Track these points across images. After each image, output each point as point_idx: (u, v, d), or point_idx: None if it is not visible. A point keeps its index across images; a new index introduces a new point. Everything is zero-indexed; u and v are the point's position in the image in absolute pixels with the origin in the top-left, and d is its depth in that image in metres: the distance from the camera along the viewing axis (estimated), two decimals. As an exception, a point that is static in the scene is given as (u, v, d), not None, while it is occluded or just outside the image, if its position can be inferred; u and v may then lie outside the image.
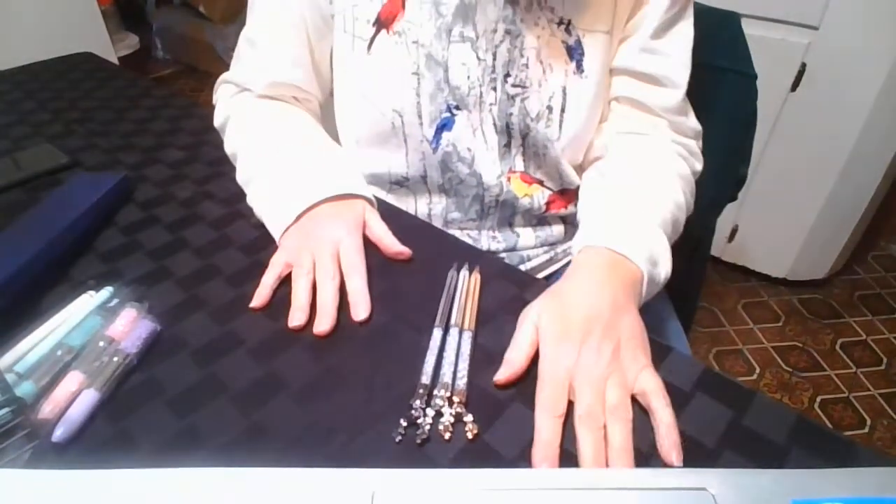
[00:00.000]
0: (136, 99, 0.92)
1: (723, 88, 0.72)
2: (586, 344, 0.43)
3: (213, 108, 0.72)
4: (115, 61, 1.97)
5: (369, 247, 0.56)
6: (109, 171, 0.72)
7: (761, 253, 1.63)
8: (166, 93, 0.95)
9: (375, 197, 0.62)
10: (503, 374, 0.43)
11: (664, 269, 0.53)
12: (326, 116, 0.72)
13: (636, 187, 0.59)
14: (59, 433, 0.39)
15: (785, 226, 1.54)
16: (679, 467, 0.37)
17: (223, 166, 0.69)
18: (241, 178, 0.63)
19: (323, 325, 0.48)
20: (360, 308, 0.49)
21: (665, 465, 0.38)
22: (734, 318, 1.57)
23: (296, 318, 0.48)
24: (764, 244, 1.61)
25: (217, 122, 0.70)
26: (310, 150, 0.63)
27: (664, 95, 0.62)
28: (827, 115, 1.35)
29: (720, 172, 0.76)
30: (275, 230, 0.57)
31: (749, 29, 0.71)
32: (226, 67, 0.71)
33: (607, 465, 0.38)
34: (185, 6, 2.96)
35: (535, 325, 0.46)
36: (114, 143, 0.79)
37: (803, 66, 1.32)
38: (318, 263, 0.52)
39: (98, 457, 0.39)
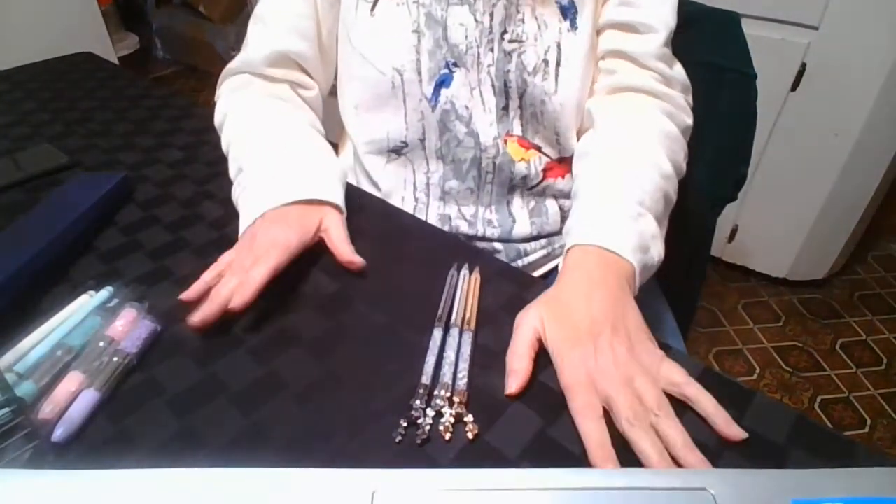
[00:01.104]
0: (136, 99, 0.92)
1: (723, 88, 0.72)
2: (599, 346, 0.43)
3: (213, 107, 0.72)
4: (115, 61, 1.97)
5: (367, 247, 0.56)
6: (109, 171, 0.72)
7: (761, 253, 1.63)
8: (166, 93, 0.95)
9: (374, 196, 0.62)
10: (513, 385, 0.43)
11: (656, 252, 0.53)
12: (328, 115, 0.73)
13: (621, 167, 0.58)
14: (59, 433, 0.39)
15: (785, 226, 1.54)
16: (746, 439, 0.39)
17: (223, 166, 0.69)
18: (231, 173, 0.64)
19: (196, 316, 0.46)
20: (238, 298, 0.46)
21: (731, 443, 0.39)
22: (734, 318, 1.57)
23: (196, 315, 0.47)
24: (764, 244, 1.61)
25: (217, 120, 0.70)
26: (292, 150, 0.62)
27: (644, 42, 0.62)
28: (827, 115, 1.35)
29: (720, 172, 0.76)
30: (240, 230, 0.56)
31: (749, 29, 0.71)
32: (225, 67, 0.71)
33: (676, 465, 0.38)
34: (185, 6, 2.96)
35: (533, 329, 0.46)
36: (114, 143, 0.79)
37: (803, 66, 1.32)
38: (237, 259, 0.51)
39: (98, 457, 0.39)
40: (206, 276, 0.51)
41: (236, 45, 0.75)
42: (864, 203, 1.47)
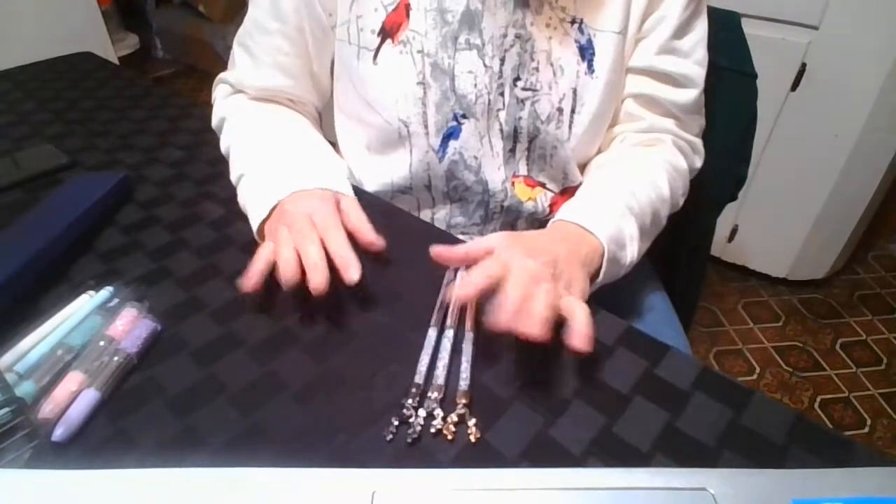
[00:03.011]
0: (136, 99, 0.92)
1: (723, 88, 0.72)
2: (535, 258, 0.45)
3: (212, 107, 0.72)
4: (115, 61, 1.97)
5: (365, 248, 0.55)
6: (109, 171, 0.72)
7: (761, 253, 1.63)
8: (166, 93, 0.95)
9: (374, 195, 0.62)
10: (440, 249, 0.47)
11: (629, 253, 0.55)
12: (326, 119, 0.72)
13: (620, 177, 0.60)
14: (59, 433, 0.39)
15: (785, 226, 1.54)
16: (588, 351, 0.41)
17: (223, 166, 0.69)
18: (232, 177, 0.63)
19: (316, 279, 0.45)
20: (350, 268, 0.47)
21: (574, 352, 0.41)
22: (734, 318, 1.57)
23: (287, 277, 0.46)
24: (764, 244, 1.61)
25: (214, 122, 0.70)
26: (296, 149, 0.62)
27: (682, 94, 0.62)
28: (827, 115, 1.35)
29: (720, 172, 0.76)
30: (253, 224, 0.55)
31: (749, 29, 0.71)
32: (225, 67, 0.71)
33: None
34: (185, 6, 2.96)
35: (488, 242, 0.47)
36: (114, 143, 0.79)
37: (803, 66, 1.32)
38: (295, 231, 0.49)
39: (98, 457, 0.39)
40: (258, 266, 0.48)
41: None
42: (864, 203, 1.47)
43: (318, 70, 0.66)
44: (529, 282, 0.43)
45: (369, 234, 0.53)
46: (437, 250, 0.47)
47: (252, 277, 0.47)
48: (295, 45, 0.63)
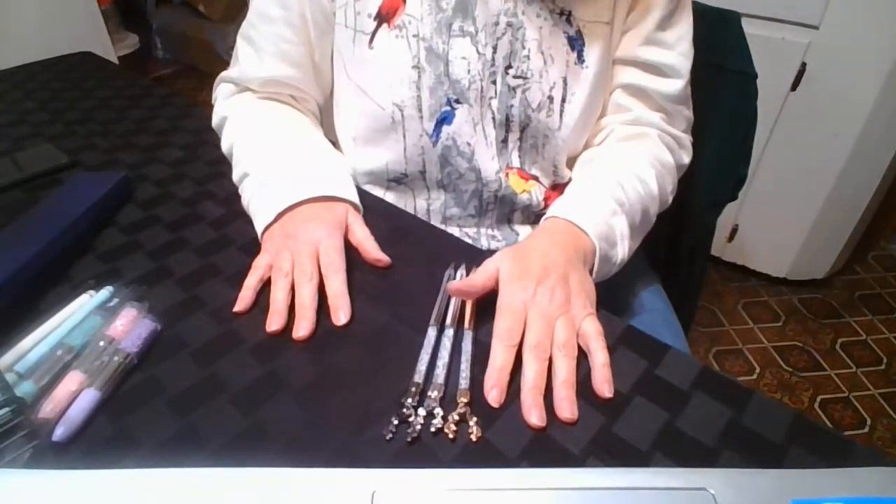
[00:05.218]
0: (136, 99, 0.92)
1: (723, 88, 0.72)
2: (543, 285, 0.47)
3: (212, 107, 0.72)
4: (115, 61, 1.97)
5: (370, 264, 0.56)
6: (109, 171, 0.72)
7: (761, 253, 1.63)
8: (166, 93, 0.95)
9: (374, 195, 0.62)
10: (457, 283, 0.48)
11: (620, 251, 0.56)
12: (326, 117, 0.72)
13: (611, 173, 0.61)
14: (59, 433, 0.39)
15: (785, 226, 1.54)
16: (608, 398, 0.42)
17: (223, 166, 0.69)
18: (235, 177, 0.63)
19: (301, 329, 0.47)
20: (340, 312, 0.49)
21: (599, 399, 0.42)
22: (734, 318, 1.57)
23: (273, 322, 0.48)
24: (764, 244, 1.61)
25: (214, 122, 0.70)
26: (300, 149, 0.63)
27: (667, 85, 0.63)
28: (827, 115, 1.35)
29: (720, 172, 0.76)
30: (258, 228, 0.57)
31: (749, 28, 0.71)
32: (225, 67, 0.71)
33: (553, 396, 0.42)
34: (185, 6, 2.96)
35: (495, 266, 0.49)
36: (114, 143, 0.79)
37: (803, 65, 1.32)
38: (297, 264, 0.51)
39: (98, 457, 0.39)
40: (251, 283, 0.51)
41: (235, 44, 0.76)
42: (864, 203, 1.47)
43: (320, 60, 0.66)
44: (542, 335, 0.45)
45: (374, 252, 0.55)
46: (454, 287, 0.49)
47: (244, 300, 0.50)
48: (298, 34, 0.63)
